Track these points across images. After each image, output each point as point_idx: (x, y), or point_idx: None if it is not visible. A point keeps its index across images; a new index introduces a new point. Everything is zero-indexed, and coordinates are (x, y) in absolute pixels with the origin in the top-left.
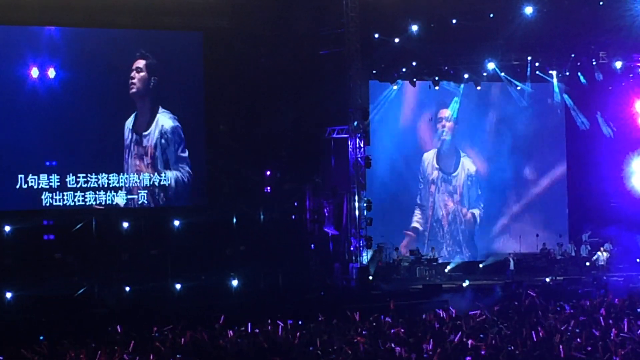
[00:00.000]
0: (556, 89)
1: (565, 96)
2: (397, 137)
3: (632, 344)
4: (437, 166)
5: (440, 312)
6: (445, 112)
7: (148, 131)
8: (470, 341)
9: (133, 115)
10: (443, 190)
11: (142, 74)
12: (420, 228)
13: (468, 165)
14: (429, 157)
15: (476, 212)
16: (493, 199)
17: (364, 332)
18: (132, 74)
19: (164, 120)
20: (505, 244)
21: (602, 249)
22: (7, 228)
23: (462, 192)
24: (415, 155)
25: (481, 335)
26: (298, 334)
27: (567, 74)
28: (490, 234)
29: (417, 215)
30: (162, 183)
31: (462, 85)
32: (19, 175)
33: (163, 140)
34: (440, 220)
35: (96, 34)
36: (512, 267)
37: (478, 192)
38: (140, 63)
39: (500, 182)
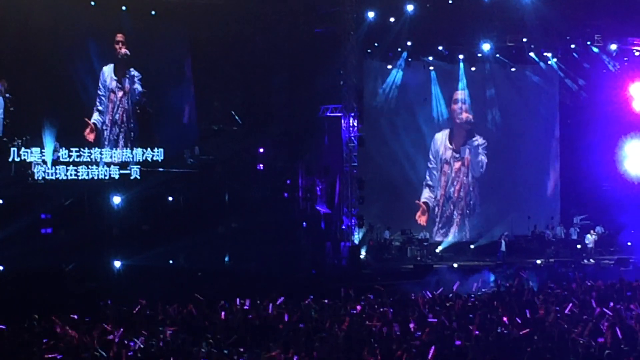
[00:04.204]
0: (554, 65)
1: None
2: (391, 116)
3: (619, 325)
4: (450, 146)
5: (431, 293)
6: (462, 94)
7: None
8: (459, 322)
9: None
10: (454, 167)
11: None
12: (431, 205)
13: (479, 140)
14: (442, 136)
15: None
16: (484, 180)
17: (352, 312)
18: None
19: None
20: (497, 226)
21: (591, 231)
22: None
23: (469, 163)
24: (410, 135)
25: (470, 316)
26: (289, 311)
27: (560, 56)
28: (482, 216)
29: (427, 193)
30: (154, 159)
31: (462, 66)
32: (12, 149)
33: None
34: (451, 197)
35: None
36: (503, 248)
37: (484, 160)
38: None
39: (493, 164)
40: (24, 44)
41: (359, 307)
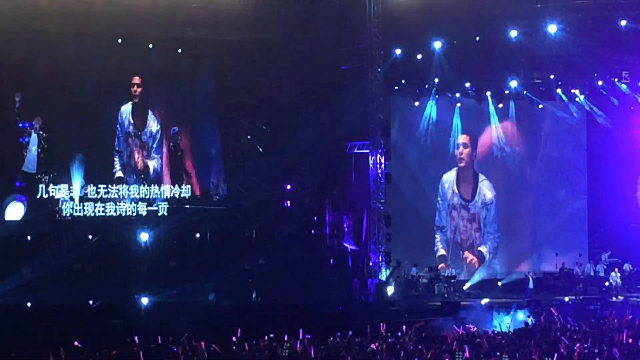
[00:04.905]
0: (581, 102)
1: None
2: (418, 153)
3: None
4: (457, 192)
5: (459, 330)
6: (464, 138)
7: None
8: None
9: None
10: (462, 216)
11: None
12: (444, 253)
13: (485, 191)
14: (449, 179)
15: (484, 249)
16: (512, 217)
17: (380, 349)
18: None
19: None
20: (524, 263)
21: (615, 269)
22: (28, 237)
23: (479, 219)
24: (438, 171)
25: (498, 354)
26: (316, 348)
27: (588, 93)
28: (510, 253)
29: (438, 238)
30: (182, 195)
31: (490, 102)
32: (40, 185)
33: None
34: (460, 243)
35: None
36: (531, 285)
37: (495, 218)
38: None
39: (520, 201)
40: (56, 82)
41: (375, 344)
